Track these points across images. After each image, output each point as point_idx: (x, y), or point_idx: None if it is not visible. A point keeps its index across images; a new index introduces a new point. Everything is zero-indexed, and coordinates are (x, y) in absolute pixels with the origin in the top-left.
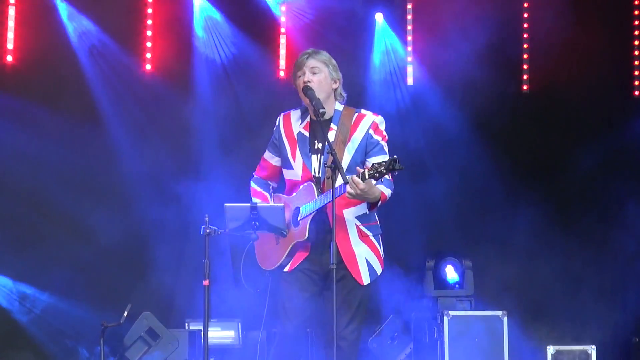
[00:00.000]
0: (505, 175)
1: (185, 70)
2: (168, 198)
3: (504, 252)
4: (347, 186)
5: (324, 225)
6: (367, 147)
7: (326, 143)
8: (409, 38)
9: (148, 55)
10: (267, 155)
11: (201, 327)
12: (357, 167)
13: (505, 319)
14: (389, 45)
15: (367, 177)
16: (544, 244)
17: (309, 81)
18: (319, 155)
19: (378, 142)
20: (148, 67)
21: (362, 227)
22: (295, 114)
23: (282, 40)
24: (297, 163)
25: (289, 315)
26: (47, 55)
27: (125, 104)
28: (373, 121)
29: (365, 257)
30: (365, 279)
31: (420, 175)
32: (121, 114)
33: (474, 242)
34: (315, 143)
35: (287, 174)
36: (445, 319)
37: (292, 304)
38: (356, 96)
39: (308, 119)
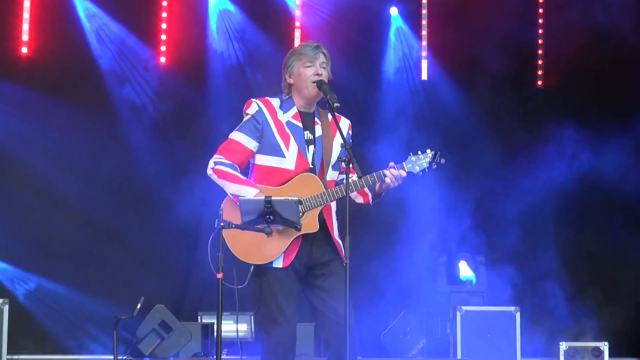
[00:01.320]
0: (520, 171)
1: (199, 63)
2: (182, 191)
3: (517, 247)
4: (387, 178)
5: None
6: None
7: (322, 138)
8: (424, 32)
9: (163, 48)
10: (242, 138)
11: (214, 320)
12: (391, 164)
13: (517, 315)
14: (404, 40)
15: (406, 169)
16: (558, 239)
17: (320, 74)
18: (311, 146)
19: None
20: (163, 59)
21: (337, 221)
22: (274, 102)
23: (297, 34)
24: (292, 152)
25: (286, 315)
26: (62, 48)
27: (139, 96)
28: (349, 123)
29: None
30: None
31: (433, 171)
32: (134, 106)
33: (487, 237)
34: (306, 134)
35: (271, 162)
36: (458, 314)
37: (288, 302)
38: (370, 91)
39: (295, 110)
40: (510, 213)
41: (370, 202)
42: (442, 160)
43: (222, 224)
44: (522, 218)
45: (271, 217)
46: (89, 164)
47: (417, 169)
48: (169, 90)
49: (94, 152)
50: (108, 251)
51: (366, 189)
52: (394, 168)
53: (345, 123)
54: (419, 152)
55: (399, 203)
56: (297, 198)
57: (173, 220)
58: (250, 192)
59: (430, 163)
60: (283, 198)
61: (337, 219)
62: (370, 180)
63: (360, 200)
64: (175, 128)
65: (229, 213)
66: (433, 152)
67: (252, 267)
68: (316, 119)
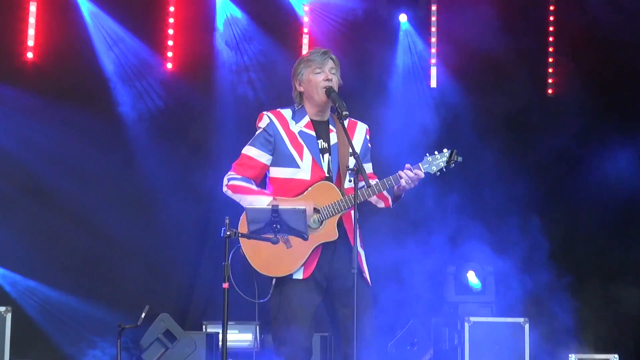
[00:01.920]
0: (531, 180)
1: (206, 69)
2: (188, 198)
3: (526, 257)
4: (403, 180)
5: (338, 228)
6: (364, 154)
7: (336, 145)
8: (433, 40)
9: (169, 54)
10: (255, 153)
11: (219, 330)
12: (407, 166)
13: (527, 326)
14: (412, 47)
15: (423, 169)
16: (570, 249)
17: (330, 79)
18: (326, 155)
19: (369, 150)
20: (169, 65)
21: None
22: (286, 113)
23: (305, 40)
24: (306, 162)
25: (302, 329)
26: (68, 52)
27: (146, 102)
28: (366, 129)
29: (364, 259)
30: (369, 280)
31: (442, 179)
32: (141, 113)
33: (497, 247)
34: (320, 143)
35: (286, 173)
36: (466, 324)
37: (305, 316)
38: (379, 97)
39: (308, 119)
40: (523, 223)
41: (391, 205)
42: (460, 159)
43: (228, 232)
44: (535, 227)
45: (278, 226)
46: (94, 169)
47: (434, 168)
48: (175, 96)
49: (99, 158)
50: (111, 258)
51: (385, 193)
52: (410, 169)
53: (362, 128)
54: (436, 152)
55: (407, 210)
56: (303, 207)
57: (178, 228)
58: (264, 201)
59: (447, 162)
60: (290, 207)
61: (359, 228)
62: (387, 183)
63: (381, 204)
64: (181, 134)
65: (245, 225)
66: (450, 151)
67: (274, 280)
68: (331, 127)
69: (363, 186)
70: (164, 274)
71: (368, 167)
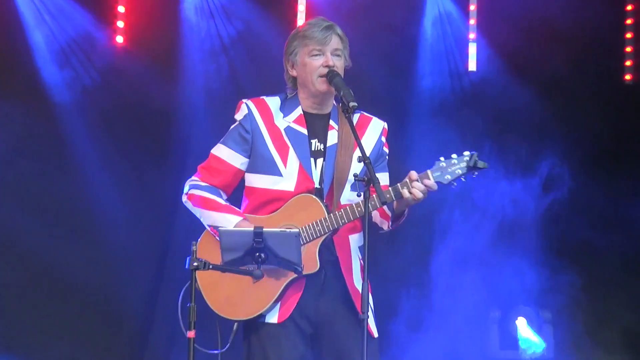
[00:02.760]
0: (603, 189)
1: (169, 45)
2: (142, 216)
3: (596, 298)
4: (405, 192)
5: (326, 255)
6: (377, 160)
7: (342, 146)
8: (472, 7)
9: (120, 24)
10: (226, 153)
11: None
12: (411, 173)
13: None
14: (445, 17)
15: (433, 178)
16: None
17: (333, 65)
18: (320, 159)
19: (386, 156)
20: (119, 39)
21: (362, 261)
22: (273, 102)
23: (301, 7)
24: (291, 169)
25: None
26: None
27: (87, 88)
28: (384, 127)
29: (370, 303)
30: (375, 331)
31: (481, 189)
32: (80, 102)
33: (557, 285)
34: (313, 143)
35: (264, 182)
36: None
37: None
38: (401, 85)
39: (300, 111)
40: (590, 248)
41: (390, 226)
42: (485, 165)
43: (195, 263)
44: (607, 253)
45: (262, 255)
46: (16, 178)
47: (449, 177)
48: (127, 81)
49: (24, 163)
50: (38, 295)
51: (386, 209)
52: (417, 180)
53: (377, 126)
54: (453, 155)
55: (432, 235)
56: (297, 230)
57: (128, 255)
58: (232, 221)
59: (467, 169)
60: (279, 230)
61: (360, 256)
62: (385, 197)
63: (385, 227)
64: (134, 131)
65: (208, 252)
66: (470, 154)
67: (236, 324)
68: (331, 123)
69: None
70: (109, 318)
71: (382, 178)
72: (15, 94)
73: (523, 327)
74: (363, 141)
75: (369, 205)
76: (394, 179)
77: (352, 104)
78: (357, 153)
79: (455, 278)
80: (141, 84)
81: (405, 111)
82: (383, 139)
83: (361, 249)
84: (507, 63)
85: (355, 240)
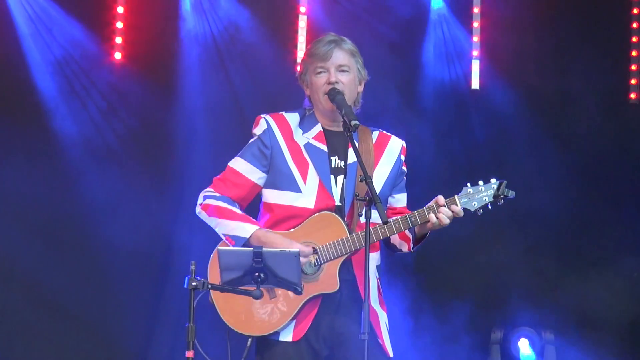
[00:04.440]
0: (610, 215)
1: (168, 61)
2: (142, 236)
3: (601, 319)
4: (432, 216)
5: (343, 273)
6: (396, 179)
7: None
8: (475, 24)
9: (118, 40)
10: (244, 167)
11: None
12: (439, 198)
13: None
14: (448, 34)
15: (460, 204)
16: None
17: (335, 82)
18: (340, 177)
19: (404, 176)
20: (118, 55)
21: (379, 282)
22: (292, 118)
23: (302, 23)
24: (311, 185)
25: None
26: None
27: (85, 106)
28: (403, 146)
29: (385, 322)
30: (390, 350)
31: (485, 211)
32: (79, 120)
33: (558, 306)
34: (333, 160)
35: (283, 199)
36: None
37: None
38: (403, 104)
39: (320, 128)
40: (596, 265)
41: (412, 248)
42: (511, 193)
43: (194, 283)
44: (613, 273)
45: (261, 275)
46: (16, 193)
47: (476, 204)
48: (126, 98)
49: (18, 183)
50: (33, 316)
51: (407, 232)
52: (444, 205)
53: (396, 145)
54: (480, 182)
55: (438, 255)
56: (296, 250)
57: (128, 275)
58: (249, 230)
59: (494, 197)
60: (278, 250)
61: (377, 276)
62: (410, 220)
63: (405, 248)
64: (133, 150)
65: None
66: (498, 182)
67: (250, 340)
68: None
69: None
70: (106, 337)
71: (400, 199)
72: (13, 111)
73: (525, 349)
74: (382, 160)
75: (393, 227)
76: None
77: (353, 122)
78: (378, 171)
79: (459, 302)
80: (140, 101)
81: (408, 129)
82: (402, 157)
83: (379, 268)
84: (510, 81)
85: (374, 259)
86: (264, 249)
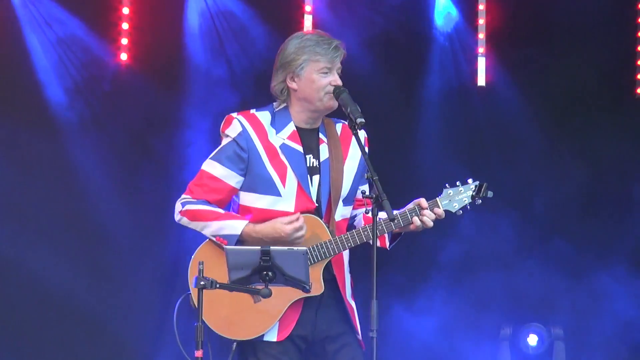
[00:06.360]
0: (618, 210)
1: (174, 62)
2: (150, 236)
3: (609, 315)
4: (415, 219)
5: (324, 274)
6: (363, 172)
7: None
8: (481, 22)
9: (124, 41)
10: (221, 172)
11: None
12: (421, 201)
13: None
14: (453, 30)
15: (441, 206)
16: None
17: (339, 85)
18: (316, 176)
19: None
20: (123, 56)
21: (351, 276)
22: (264, 117)
23: (307, 22)
24: (290, 188)
25: None
26: None
27: (92, 107)
28: (365, 137)
29: (356, 315)
30: (362, 344)
31: (491, 208)
32: (84, 121)
33: (568, 301)
34: (308, 159)
35: (262, 202)
36: None
37: None
38: (408, 101)
39: (293, 127)
40: (604, 264)
41: (387, 247)
42: (489, 194)
43: (202, 282)
44: (622, 271)
45: (270, 273)
46: (16, 197)
47: (456, 205)
48: (132, 99)
49: (24, 182)
50: (44, 317)
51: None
52: (427, 208)
53: (359, 136)
54: (458, 183)
55: (438, 253)
56: (305, 248)
57: (136, 276)
58: (238, 227)
59: (473, 198)
60: (286, 248)
61: (350, 274)
62: (392, 223)
63: (377, 244)
64: (140, 150)
65: (208, 268)
66: (476, 183)
67: (235, 343)
68: (321, 136)
69: (355, 216)
70: (113, 342)
71: (366, 189)
72: (19, 113)
73: (534, 344)
74: (350, 152)
75: (385, 227)
76: (405, 192)
77: (359, 120)
78: (347, 165)
79: (469, 299)
80: (145, 102)
81: (413, 126)
82: (366, 149)
83: (350, 263)
84: (516, 77)
85: (347, 257)
86: (271, 247)
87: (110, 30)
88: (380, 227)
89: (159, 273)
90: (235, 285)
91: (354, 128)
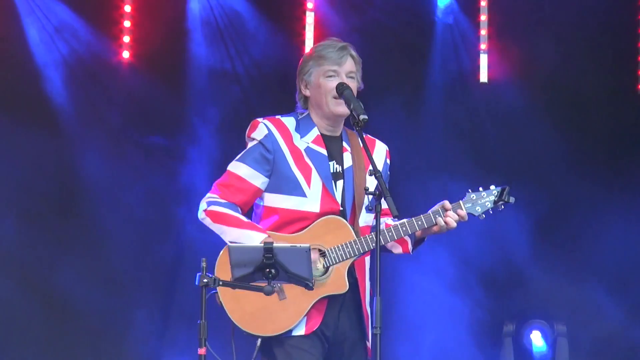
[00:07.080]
0: (622, 206)
1: (176, 59)
2: (151, 234)
3: (611, 311)
4: (439, 221)
5: (348, 277)
6: (385, 180)
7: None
8: (483, 18)
9: (125, 39)
10: (247, 172)
11: None
12: (445, 203)
13: None
14: (455, 27)
15: (465, 209)
16: None
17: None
18: (340, 181)
19: (388, 178)
20: (125, 54)
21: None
22: (289, 123)
23: (309, 19)
24: (315, 189)
25: None
26: None
27: (94, 104)
28: (387, 149)
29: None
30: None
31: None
32: (86, 120)
33: (571, 298)
34: (332, 165)
35: (287, 203)
36: None
37: None
38: (411, 97)
39: (317, 132)
40: (606, 262)
41: (411, 251)
42: (512, 200)
43: (205, 280)
44: (625, 269)
45: (272, 270)
46: (26, 193)
47: (479, 210)
48: (134, 97)
49: (25, 179)
50: (45, 316)
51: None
52: (451, 209)
53: (381, 149)
54: (481, 189)
55: (443, 250)
56: (307, 245)
57: (141, 273)
58: (255, 239)
59: (495, 203)
60: (289, 245)
61: (370, 280)
62: (416, 224)
63: (398, 250)
64: (141, 149)
65: (227, 269)
66: (499, 189)
67: (259, 340)
68: (344, 145)
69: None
70: (116, 342)
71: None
72: (20, 110)
73: (538, 341)
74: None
75: (401, 230)
76: (407, 192)
77: (362, 116)
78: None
79: (471, 295)
80: (148, 100)
81: (415, 124)
82: (388, 161)
83: (370, 270)
84: (518, 73)
85: (368, 264)
86: (274, 244)
87: (112, 28)
88: (404, 229)
89: (159, 273)
90: (237, 283)
91: (357, 125)
